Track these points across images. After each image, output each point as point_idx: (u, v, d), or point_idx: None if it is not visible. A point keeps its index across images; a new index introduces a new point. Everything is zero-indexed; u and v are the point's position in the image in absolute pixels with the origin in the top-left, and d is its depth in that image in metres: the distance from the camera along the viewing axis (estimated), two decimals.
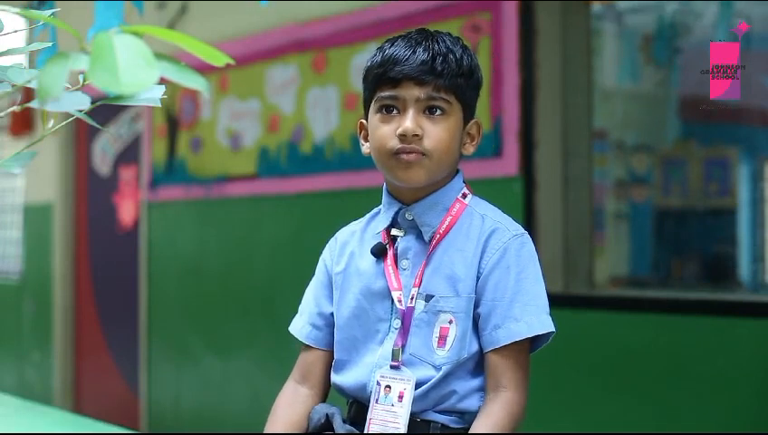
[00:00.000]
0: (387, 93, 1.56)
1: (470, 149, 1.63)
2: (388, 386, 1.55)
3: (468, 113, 1.61)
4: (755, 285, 4.74)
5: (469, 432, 1.51)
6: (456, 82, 1.56)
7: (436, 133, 1.54)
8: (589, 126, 3.49)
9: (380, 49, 1.60)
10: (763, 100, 4.56)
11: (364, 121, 1.66)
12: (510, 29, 3.39)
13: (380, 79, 1.56)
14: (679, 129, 5.02)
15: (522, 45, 3.36)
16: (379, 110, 1.57)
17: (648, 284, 4.73)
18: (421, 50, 1.55)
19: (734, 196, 4.81)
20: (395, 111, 1.56)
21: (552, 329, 1.53)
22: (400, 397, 1.54)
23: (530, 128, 3.35)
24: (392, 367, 1.56)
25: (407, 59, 1.54)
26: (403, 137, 1.53)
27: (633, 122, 5.04)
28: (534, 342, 1.56)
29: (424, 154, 1.54)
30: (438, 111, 1.55)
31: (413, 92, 1.54)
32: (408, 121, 1.53)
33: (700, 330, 2.94)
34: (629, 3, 4.63)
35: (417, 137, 1.53)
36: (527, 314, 1.52)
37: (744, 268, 4.76)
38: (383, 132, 1.56)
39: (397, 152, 1.54)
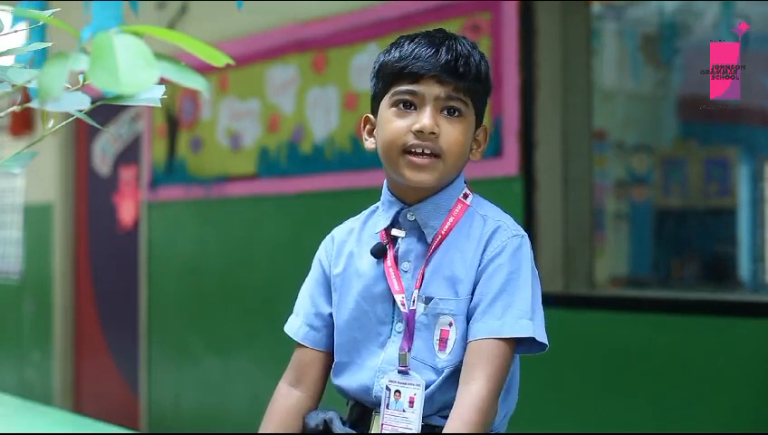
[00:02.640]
0: (406, 88, 1.53)
1: (477, 155, 1.62)
2: (398, 391, 1.54)
3: (478, 119, 1.60)
4: (755, 285, 4.74)
5: (442, 433, 1.49)
6: (473, 86, 1.55)
7: (452, 134, 1.53)
8: (589, 126, 3.49)
9: (397, 45, 1.57)
10: (763, 100, 4.56)
11: (370, 116, 1.63)
12: (510, 29, 3.39)
13: (400, 73, 1.54)
14: (679, 129, 5.03)
15: (522, 45, 3.36)
16: (395, 104, 1.55)
17: (648, 284, 4.73)
18: (444, 50, 1.53)
19: (734, 196, 4.81)
20: (412, 108, 1.54)
21: (531, 334, 1.49)
22: (411, 402, 1.53)
23: (530, 128, 3.35)
24: (400, 372, 1.54)
25: (430, 56, 1.52)
26: (420, 133, 1.51)
27: (633, 122, 5.04)
28: (521, 346, 1.53)
29: (437, 156, 1.52)
30: (456, 113, 1.54)
31: (433, 90, 1.52)
32: (426, 118, 1.51)
33: (700, 330, 2.94)
34: (629, 3, 4.63)
35: (434, 135, 1.51)
36: (508, 314, 1.49)
37: (744, 268, 4.76)
38: (397, 126, 1.54)
39: (408, 149, 1.52)
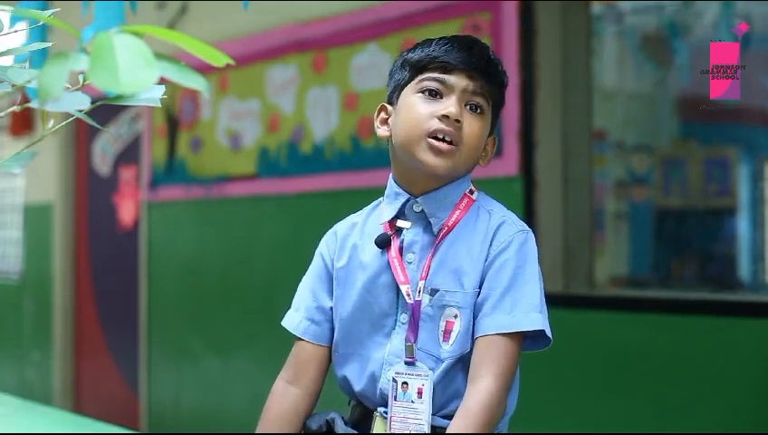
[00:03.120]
0: (436, 75, 1.57)
1: (483, 161, 1.65)
2: (405, 383, 1.54)
3: (492, 127, 1.63)
4: (755, 285, 4.74)
5: (447, 432, 1.49)
6: (496, 92, 1.60)
7: (473, 127, 1.56)
8: (589, 126, 3.49)
9: (425, 44, 1.61)
10: (763, 100, 4.56)
11: (387, 105, 1.66)
12: (510, 29, 3.39)
13: (432, 62, 1.57)
14: (679, 129, 5.02)
15: (522, 45, 3.36)
16: (422, 91, 1.58)
17: (648, 284, 4.73)
18: (477, 49, 1.59)
19: (734, 196, 4.81)
20: (438, 96, 1.56)
21: (541, 327, 1.50)
22: (419, 393, 1.53)
23: (530, 128, 3.35)
24: (407, 363, 1.54)
25: (462, 51, 1.57)
26: (446, 119, 1.54)
27: (633, 122, 5.04)
28: (528, 341, 1.54)
29: (457, 146, 1.54)
30: (478, 110, 1.57)
31: (462, 82, 1.56)
32: (453, 106, 1.54)
33: (700, 330, 2.94)
34: (629, 3, 4.63)
35: (459, 123, 1.54)
36: (517, 308, 1.50)
37: (744, 268, 4.76)
38: (422, 111, 1.56)
39: (432, 134, 1.54)
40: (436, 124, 1.54)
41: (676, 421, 2.93)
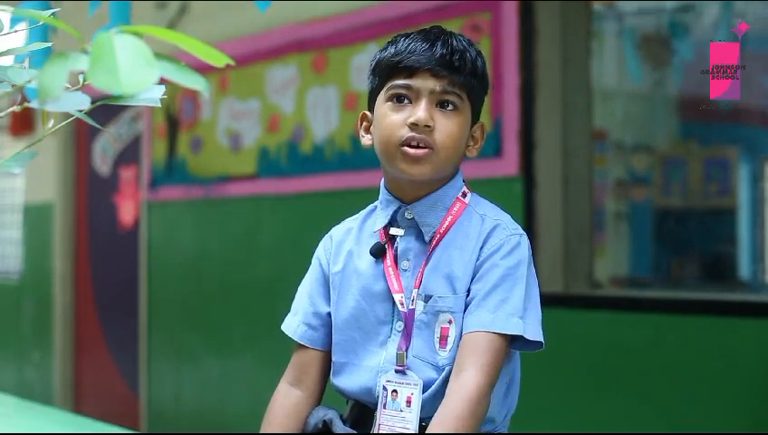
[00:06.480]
0: (401, 82, 1.55)
1: (473, 151, 1.62)
2: (395, 391, 1.53)
3: (475, 115, 1.60)
4: (756, 285, 4.75)
5: (428, 430, 1.48)
6: (469, 80, 1.56)
7: (446, 127, 1.54)
8: (589, 126, 3.49)
9: (393, 42, 1.59)
10: (763, 100, 4.56)
11: (368, 113, 1.64)
12: (510, 29, 3.39)
13: (395, 67, 1.55)
14: (679, 129, 5.03)
15: (522, 45, 3.36)
16: (390, 98, 1.56)
17: (648, 284, 4.73)
18: (440, 44, 1.54)
19: (734, 196, 4.82)
20: (406, 101, 1.54)
21: (520, 332, 1.49)
22: (408, 402, 1.52)
23: (530, 128, 3.35)
24: (397, 371, 1.54)
25: (425, 50, 1.54)
26: (414, 126, 1.52)
27: (633, 122, 5.04)
28: (517, 342, 1.53)
29: (432, 149, 1.53)
30: (451, 106, 1.54)
31: (428, 84, 1.53)
32: (421, 111, 1.52)
33: (700, 330, 2.94)
34: (629, 3, 4.63)
35: (429, 128, 1.52)
36: (501, 310, 1.49)
37: (744, 268, 4.77)
38: (393, 120, 1.55)
39: (404, 143, 1.53)
40: (407, 133, 1.53)
41: (677, 421, 2.93)
